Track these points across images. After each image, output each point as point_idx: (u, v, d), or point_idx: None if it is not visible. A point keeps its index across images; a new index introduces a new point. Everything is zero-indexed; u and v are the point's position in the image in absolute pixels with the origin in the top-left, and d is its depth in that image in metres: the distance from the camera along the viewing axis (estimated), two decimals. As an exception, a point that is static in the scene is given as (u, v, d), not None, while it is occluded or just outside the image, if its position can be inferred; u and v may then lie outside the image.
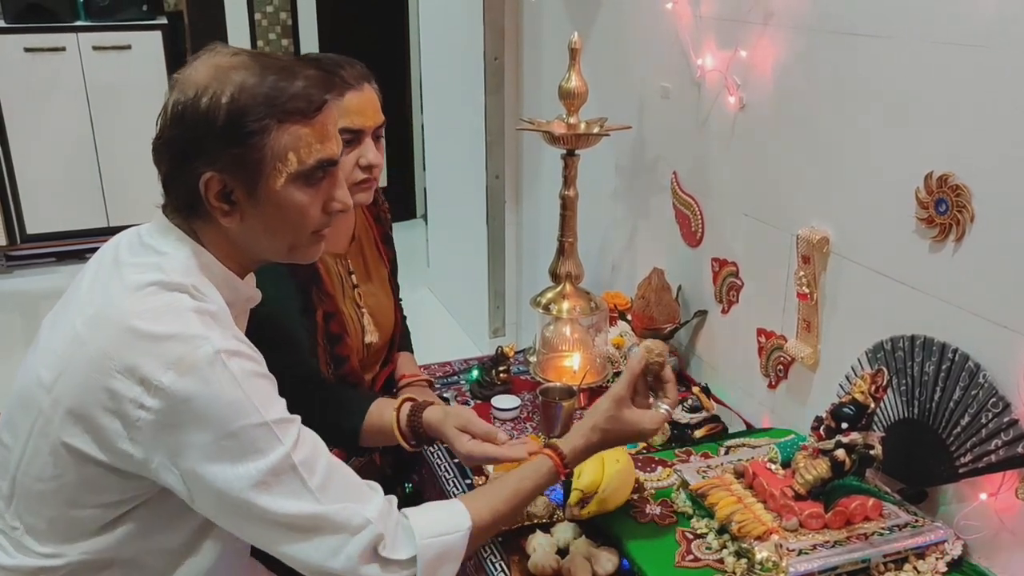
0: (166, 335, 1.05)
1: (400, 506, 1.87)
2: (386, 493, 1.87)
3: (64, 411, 1.09)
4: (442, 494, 1.67)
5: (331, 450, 1.24)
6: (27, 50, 4.29)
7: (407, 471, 1.95)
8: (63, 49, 4.36)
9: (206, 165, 1.09)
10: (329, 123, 1.15)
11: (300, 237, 1.18)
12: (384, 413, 1.53)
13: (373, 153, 1.61)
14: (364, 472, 1.76)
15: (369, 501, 1.14)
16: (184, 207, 1.14)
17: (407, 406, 1.52)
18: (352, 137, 1.59)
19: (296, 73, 1.12)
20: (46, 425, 1.11)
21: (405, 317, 2.02)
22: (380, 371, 1.85)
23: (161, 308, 1.08)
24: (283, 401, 1.11)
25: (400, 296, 2.00)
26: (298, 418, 1.12)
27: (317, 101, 1.12)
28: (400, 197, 5.35)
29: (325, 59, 1.62)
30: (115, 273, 1.13)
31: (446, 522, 1.18)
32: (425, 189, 4.38)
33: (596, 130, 1.91)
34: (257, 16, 4.71)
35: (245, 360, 1.08)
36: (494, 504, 1.23)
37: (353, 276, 1.74)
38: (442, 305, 4.08)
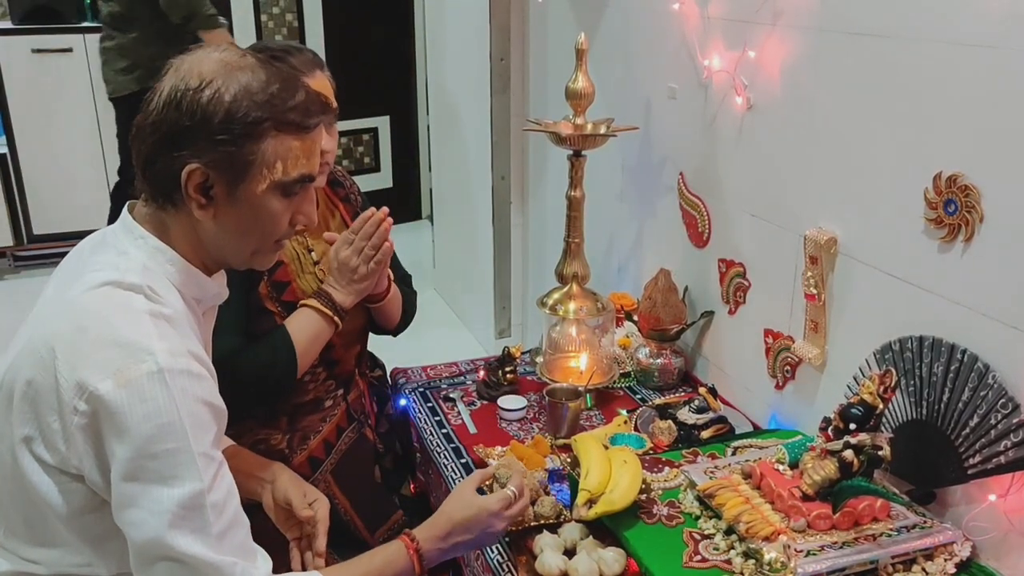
0: (113, 341, 1.04)
1: (403, 507, 1.88)
2: (389, 493, 1.89)
3: (15, 405, 1.08)
4: (448, 494, 1.66)
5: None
6: (34, 51, 4.30)
7: (411, 471, 1.95)
8: (70, 50, 4.37)
9: (193, 156, 1.08)
10: (317, 141, 1.17)
11: (265, 243, 1.19)
12: (300, 315, 1.62)
13: (325, 139, 1.62)
14: (356, 448, 1.78)
15: (256, 564, 1.12)
16: (159, 194, 1.13)
17: (311, 299, 1.63)
18: None
19: (297, 87, 1.14)
20: (2, 423, 1.11)
21: (413, 294, 1.98)
22: (361, 350, 1.86)
23: (114, 309, 1.07)
24: (214, 431, 1.09)
25: (409, 279, 1.99)
26: (222, 459, 1.10)
27: (314, 119, 1.14)
28: (406, 198, 5.36)
29: (275, 47, 1.62)
30: (77, 272, 1.13)
31: None
32: (431, 190, 4.38)
33: (603, 131, 1.91)
34: (263, 18, 4.71)
35: (190, 381, 1.06)
36: None
37: (313, 253, 1.74)
38: (448, 306, 4.08)
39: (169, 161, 1.09)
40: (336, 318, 1.62)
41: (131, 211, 1.17)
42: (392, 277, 1.83)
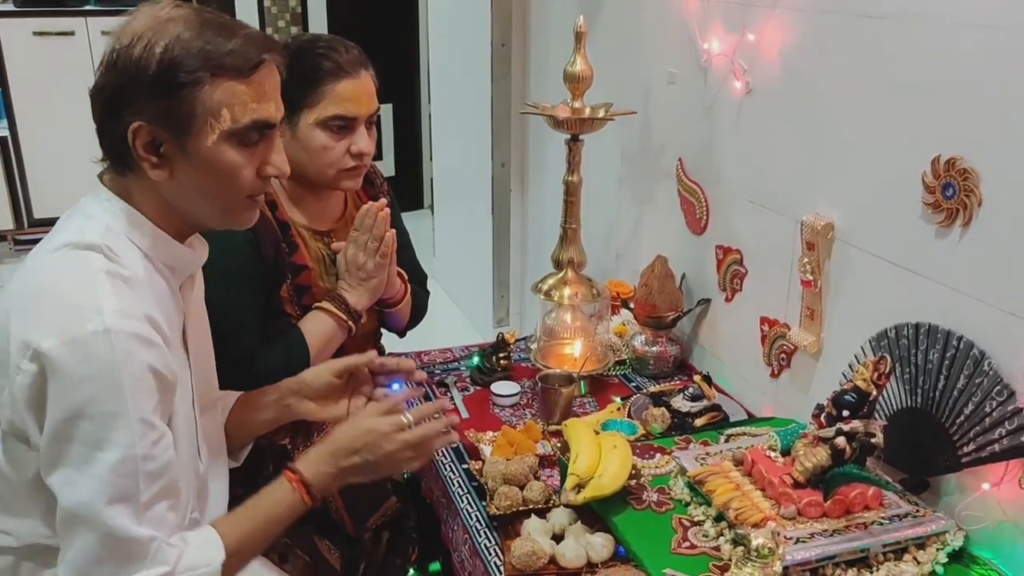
0: (62, 300, 1.03)
1: (397, 494, 1.87)
2: (382, 480, 1.88)
3: None
4: (438, 478, 1.65)
5: None
6: (36, 34, 4.29)
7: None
8: (72, 33, 4.35)
9: (135, 114, 1.07)
10: (267, 83, 1.13)
11: (233, 200, 1.16)
12: (314, 317, 1.61)
13: (365, 141, 1.60)
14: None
15: (173, 543, 1.08)
16: (117, 160, 1.12)
17: (324, 302, 1.61)
18: (345, 124, 1.58)
19: (235, 31, 1.11)
20: None
21: (425, 294, 1.97)
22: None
23: (68, 269, 1.06)
24: (156, 399, 1.06)
25: (424, 279, 1.97)
26: (165, 430, 1.08)
27: (254, 59, 1.10)
28: (408, 187, 5.34)
29: (322, 40, 1.60)
30: (46, 240, 1.13)
31: (201, 556, 1.13)
32: (432, 179, 4.37)
33: (601, 115, 1.89)
34: (266, 3, 4.70)
35: (137, 344, 1.03)
36: (243, 529, 1.19)
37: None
38: (447, 295, 4.07)
39: (115, 124, 1.08)
40: (349, 321, 1.61)
41: (102, 179, 1.16)
42: (407, 278, 1.81)
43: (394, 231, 1.63)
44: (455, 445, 1.42)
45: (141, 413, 1.03)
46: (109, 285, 1.04)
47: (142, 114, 1.07)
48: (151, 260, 1.13)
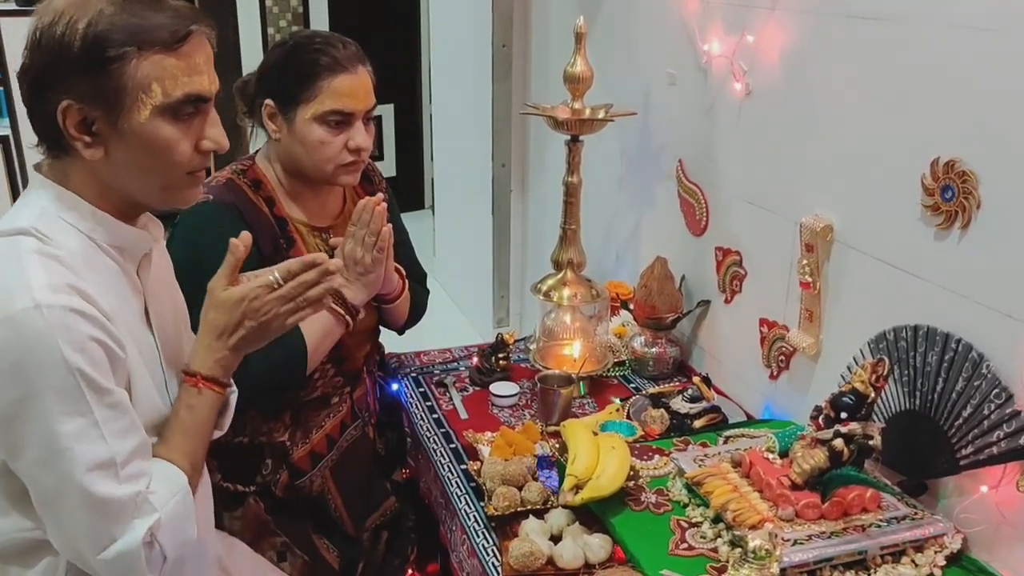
0: None
1: (397, 494, 1.87)
2: (382, 479, 1.88)
3: None
4: (436, 478, 1.65)
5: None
6: (37, 33, 4.29)
7: (402, 456, 1.94)
8: (73, 32, 4.35)
9: (63, 93, 1.05)
10: (198, 55, 1.10)
11: (172, 176, 1.13)
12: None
13: (362, 137, 1.60)
14: (357, 449, 1.76)
15: (151, 488, 1.09)
16: (50, 143, 1.10)
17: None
18: (342, 119, 1.58)
19: (161, 4, 1.09)
20: None
21: (425, 292, 1.97)
22: (371, 349, 1.84)
23: None
24: (105, 368, 1.05)
25: (423, 277, 1.97)
26: (121, 394, 1.07)
27: (181, 31, 1.08)
28: (408, 187, 5.34)
29: (319, 36, 1.60)
30: None
31: (170, 488, 1.13)
32: (432, 179, 4.37)
33: (601, 115, 1.89)
34: (268, 3, 4.70)
35: (71, 317, 1.01)
36: (185, 447, 1.18)
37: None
38: (448, 295, 4.07)
39: (43, 105, 1.06)
40: (347, 316, 1.60)
41: (39, 168, 1.14)
42: (406, 274, 1.81)
43: (391, 226, 1.63)
44: (336, 287, 1.36)
45: (89, 381, 1.02)
46: (39, 264, 1.03)
47: (70, 92, 1.04)
48: (95, 242, 1.12)
